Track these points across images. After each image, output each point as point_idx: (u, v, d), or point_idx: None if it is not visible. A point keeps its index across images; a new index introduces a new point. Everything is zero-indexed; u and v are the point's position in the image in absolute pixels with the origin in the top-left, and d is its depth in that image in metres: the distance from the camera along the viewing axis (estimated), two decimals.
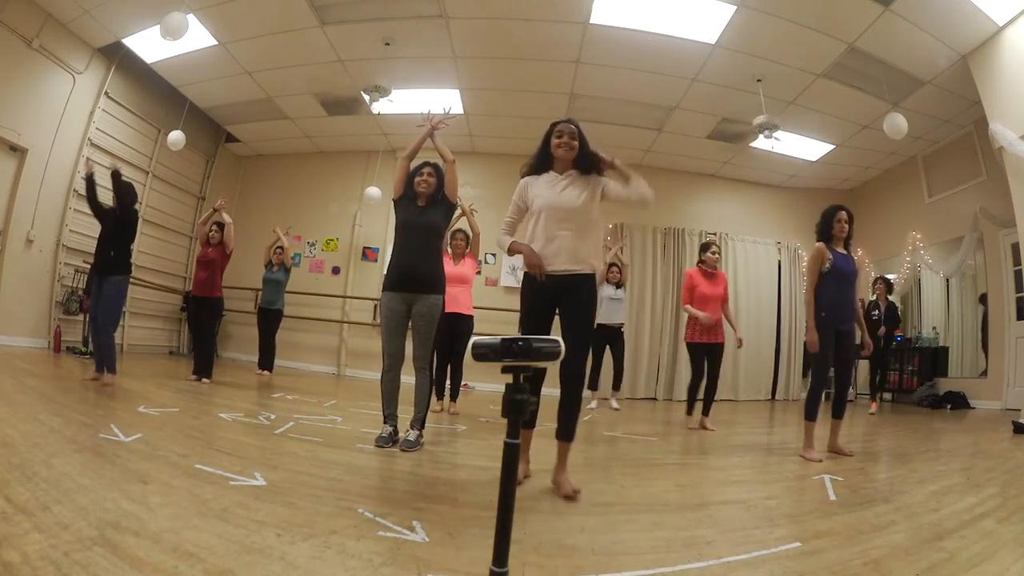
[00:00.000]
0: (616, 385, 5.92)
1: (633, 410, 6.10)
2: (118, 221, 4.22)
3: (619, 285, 5.77)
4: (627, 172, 2.34)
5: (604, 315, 5.68)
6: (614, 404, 5.87)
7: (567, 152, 2.36)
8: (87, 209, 6.31)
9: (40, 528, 1.31)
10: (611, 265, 5.76)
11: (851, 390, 7.97)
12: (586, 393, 7.48)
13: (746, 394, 7.71)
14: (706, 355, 4.60)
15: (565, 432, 2.23)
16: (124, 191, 4.30)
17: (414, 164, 3.09)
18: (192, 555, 1.27)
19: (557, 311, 2.33)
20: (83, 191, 4.45)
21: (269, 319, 6.46)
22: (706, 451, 3.56)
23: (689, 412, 4.71)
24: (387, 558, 1.38)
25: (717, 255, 4.68)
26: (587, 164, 2.38)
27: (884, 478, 2.78)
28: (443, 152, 3.07)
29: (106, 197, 4.38)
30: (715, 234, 8.12)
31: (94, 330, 4.15)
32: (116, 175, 4.30)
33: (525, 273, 2.36)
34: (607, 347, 5.79)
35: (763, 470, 2.99)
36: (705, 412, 4.57)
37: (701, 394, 4.68)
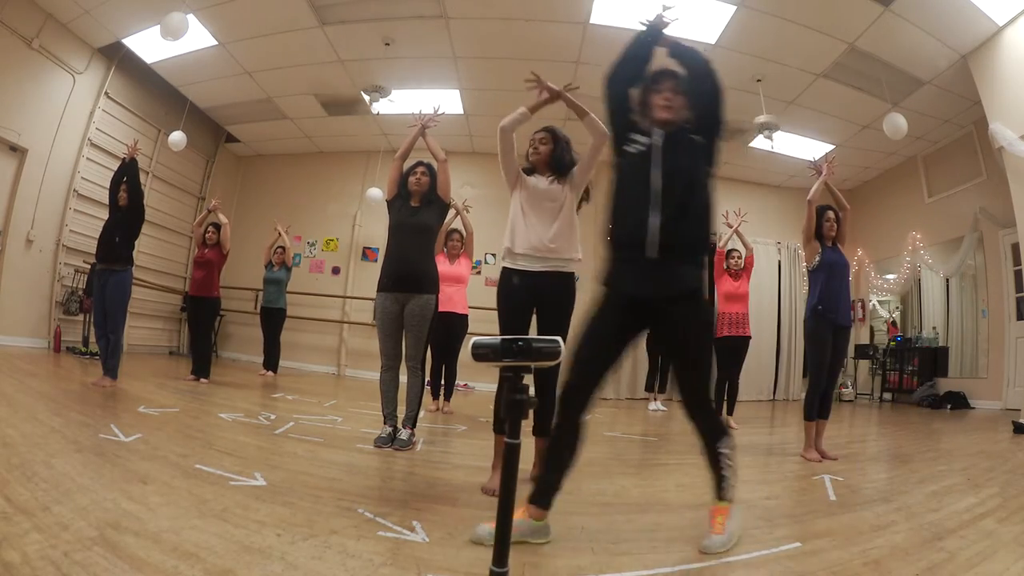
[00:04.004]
0: (662, 387, 6.05)
1: (633, 410, 6.10)
2: (128, 211, 4.22)
3: None
4: (579, 105, 2.30)
5: None
6: (660, 406, 5.96)
7: (536, 156, 2.40)
8: (87, 209, 6.41)
9: (40, 528, 1.31)
10: None
11: (851, 390, 7.99)
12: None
13: (746, 394, 7.68)
14: (733, 349, 4.79)
15: (544, 429, 2.27)
16: (138, 184, 4.32)
17: (407, 164, 3.10)
18: (192, 555, 1.27)
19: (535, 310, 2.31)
20: (114, 171, 4.37)
21: (272, 319, 6.45)
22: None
23: (719, 414, 4.74)
24: (387, 558, 1.38)
25: (738, 258, 4.95)
26: (563, 167, 2.39)
27: (884, 478, 2.78)
28: (435, 151, 3.07)
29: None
30: (715, 234, 8.10)
31: (99, 333, 4.13)
32: (135, 163, 4.31)
33: (504, 271, 2.35)
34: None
35: (763, 470, 2.99)
36: (729, 411, 4.75)
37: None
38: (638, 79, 1.86)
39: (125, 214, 4.21)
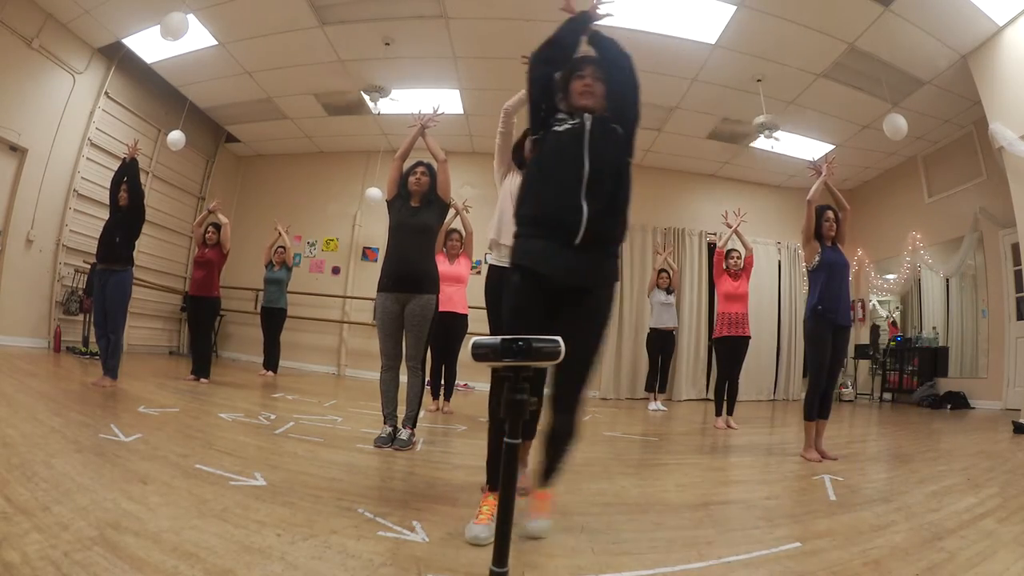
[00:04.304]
0: (662, 387, 6.11)
1: (633, 410, 6.10)
2: (128, 211, 4.23)
3: (670, 290, 5.90)
4: None
5: (657, 319, 5.95)
6: (660, 406, 5.97)
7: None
8: (87, 209, 6.41)
9: (40, 528, 1.31)
10: (661, 271, 5.97)
11: (851, 390, 8.00)
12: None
13: (746, 394, 7.69)
14: (733, 348, 4.81)
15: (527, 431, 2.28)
16: (138, 184, 4.33)
17: (407, 164, 3.10)
18: (192, 555, 1.27)
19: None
20: (115, 172, 4.38)
21: (272, 319, 6.45)
22: (706, 451, 3.56)
23: (719, 413, 4.78)
24: (387, 558, 1.38)
25: (737, 258, 4.96)
26: None
27: (884, 478, 2.78)
28: (435, 151, 3.07)
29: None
30: (715, 234, 8.12)
31: (99, 333, 4.13)
32: (135, 163, 4.31)
33: (492, 269, 2.38)
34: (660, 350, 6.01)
35: (763, 470, 2.99)
36: (730, 411, 4.74)
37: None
38: (562, 64, 1.86)
39: (125, 214, 4.21)
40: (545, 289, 1.68)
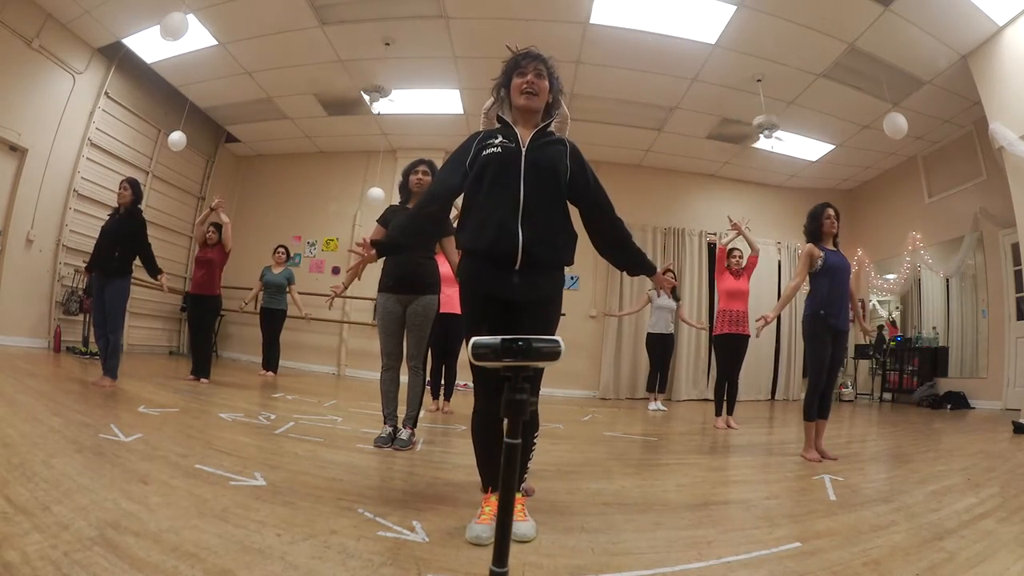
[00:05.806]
0: (662, 387, 6.13)
1: (633, 410, 6.10)
2: (131, 224, 4.26)
3: (675, 295, 5.88)
4: None
5: (653, 325, 5.94)
6: (660, 406, 5.97)
7: None
8: (87, 209, 6.41)
9: (40, 528, 1.31)
10: (666, 270, 5.93)
11: (851, 390, 7.99)
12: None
13: (746, 394, 7.70)
14: (733, 346, 4.80)
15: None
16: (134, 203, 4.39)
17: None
18: (192, 555, 1.27)
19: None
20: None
21: (272, 319, 6.45)
22: (706, 451, 3.56)
23: (718, 413, 4.77)
24: (387, 558, 1.38)
25: (739, 257, 4.93)
26: None
27: (884, 478, 2.78)
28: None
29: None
30: (715, 234, 8.13)
31: (99, 333, 4.14)
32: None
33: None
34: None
35: (763, 470, 2.99)
36: (729, 411, 4.73)
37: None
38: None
39: (128, 224, 4.26)
40: (496, 305, 1.70)
